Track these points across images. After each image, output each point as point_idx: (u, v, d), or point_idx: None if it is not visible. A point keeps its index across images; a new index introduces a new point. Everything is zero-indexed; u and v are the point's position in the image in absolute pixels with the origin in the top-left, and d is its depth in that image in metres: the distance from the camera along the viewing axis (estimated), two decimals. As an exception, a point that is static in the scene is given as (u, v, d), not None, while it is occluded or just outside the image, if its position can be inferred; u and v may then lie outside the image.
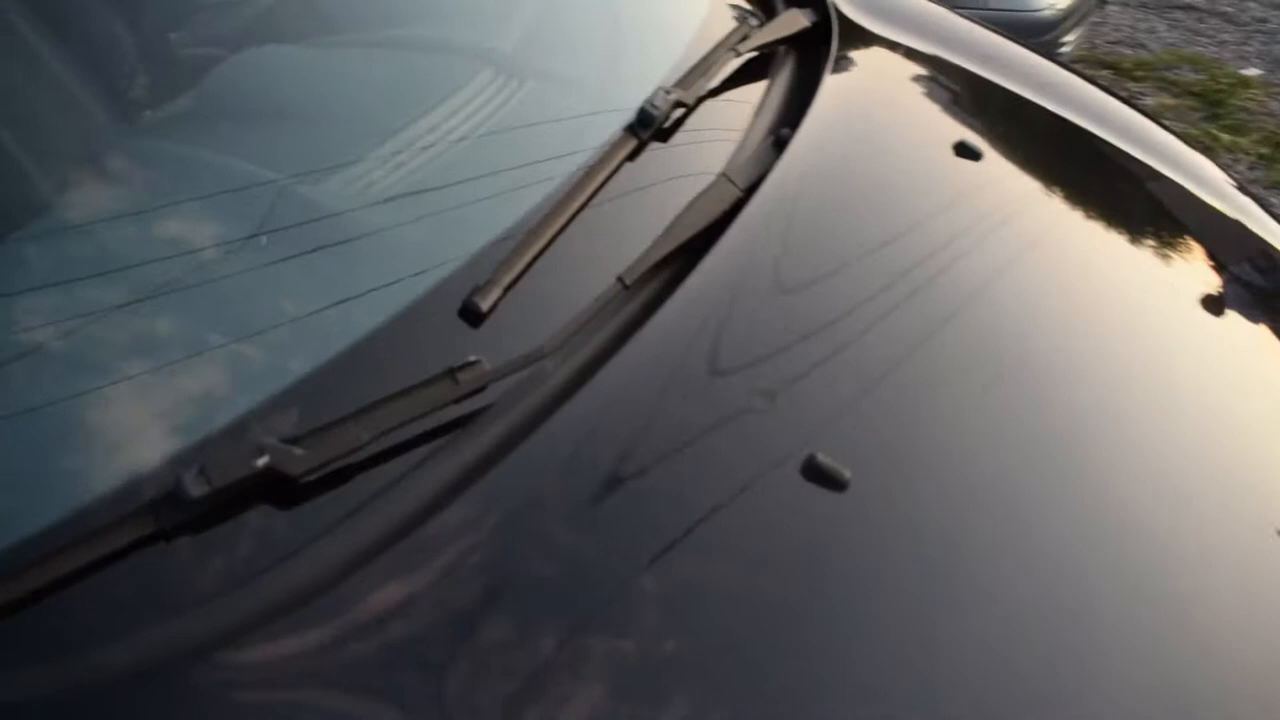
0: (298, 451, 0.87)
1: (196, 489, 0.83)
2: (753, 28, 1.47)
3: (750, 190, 1.21)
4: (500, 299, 1.04)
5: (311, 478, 0.88)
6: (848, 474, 0.96)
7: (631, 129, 1.24)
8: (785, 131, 1.31)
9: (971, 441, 1.06)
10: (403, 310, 1.02)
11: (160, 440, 0.88)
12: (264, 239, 1.09)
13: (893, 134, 1.39)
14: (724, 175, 1.21)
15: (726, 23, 1.49)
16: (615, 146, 1.22)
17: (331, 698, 0.81)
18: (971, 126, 1.45)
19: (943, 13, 1.70)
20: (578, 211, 1.15)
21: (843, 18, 1.54)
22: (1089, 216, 1.43)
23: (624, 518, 0.94)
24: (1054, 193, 1.43)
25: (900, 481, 1.00)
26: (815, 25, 1.51)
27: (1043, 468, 1.07)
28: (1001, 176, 1.38)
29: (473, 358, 0.98)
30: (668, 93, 1.28)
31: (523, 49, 1.40)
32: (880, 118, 1.40)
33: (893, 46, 1.57)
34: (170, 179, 1.14)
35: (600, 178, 1.19)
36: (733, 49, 1.39)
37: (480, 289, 1.04)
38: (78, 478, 0.86)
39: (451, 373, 0.97)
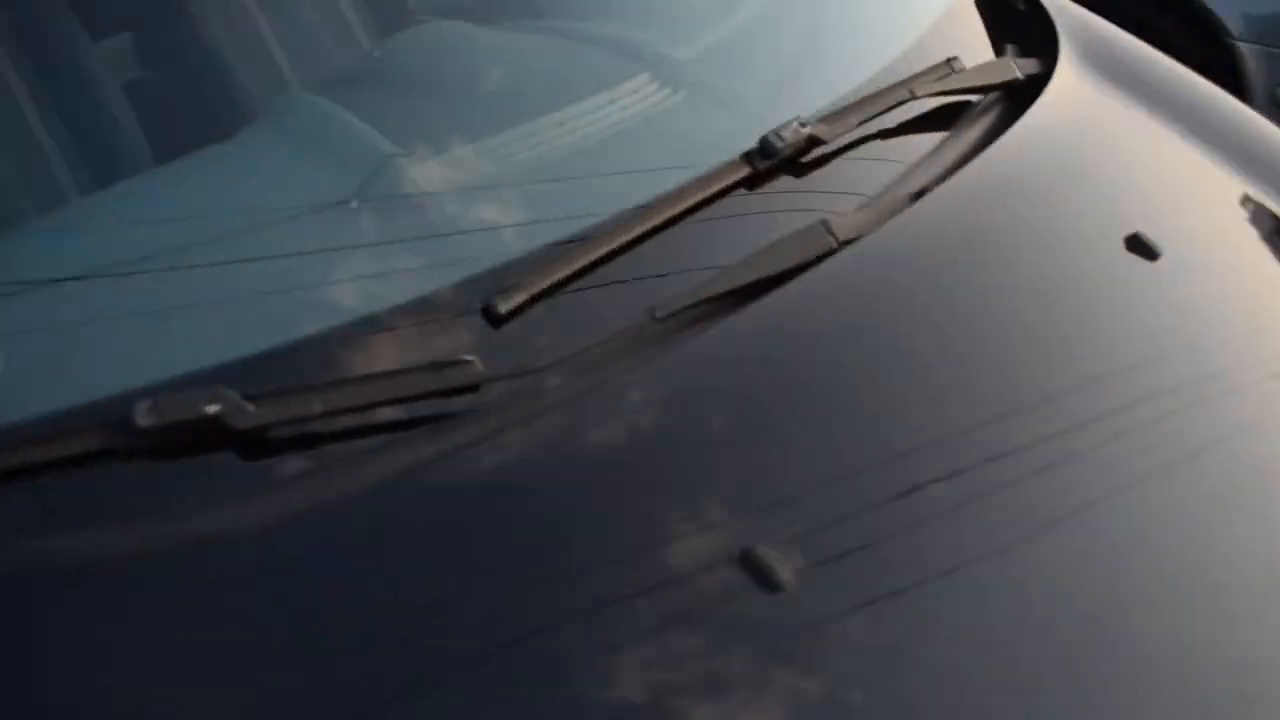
0: (250, 408, 0.90)
1: (146, 419, 0.88)
2: (954, 70, 1.34)
3: (846, 245, 1.11)
4: (526, 304, 1.02)
5: (255, 435, 0.91)
6: (785, 575, 0.86)
7: (748, 156, 1.17)
8: (931, 187, 1.20)
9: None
10: (427, 296, 1.03)
11: (147, 368, 0.94)
12: (354, 203, 1.14)
13: (1057, 211, 1.22)
14: (823, 222, 1.12)
15: (932, 58, 1.36)
16: (723, 171, 1.15)
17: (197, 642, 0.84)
18: (1170, 220, 1.24)
19: (1198, 84, 1.47)
20: (653, 231, 1.10)
21: (1066, 71, 1.37)
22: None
23: (542, 555, 0.90)
24: (1251, 327, 1.19)
25: (852, 609, 0.88)
26: (1029, 79, 1.36)
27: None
28: (1179, 288, 1.18)
29: (466, 357, 0.97)
30: (802, 125, 1.19)
31: (692, 57, 1.36)
32: (1051, 191, 1.23)
33: (1114, 111, 1.38)
34: (297, 131, 1.21)
35: (692, 200, 1.13)
36: (909, 89, 1.28)
37: (506, 291, 1.02)
38: (61, 384, 0.93)
39: (437, 367, 0.96)
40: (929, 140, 1.28)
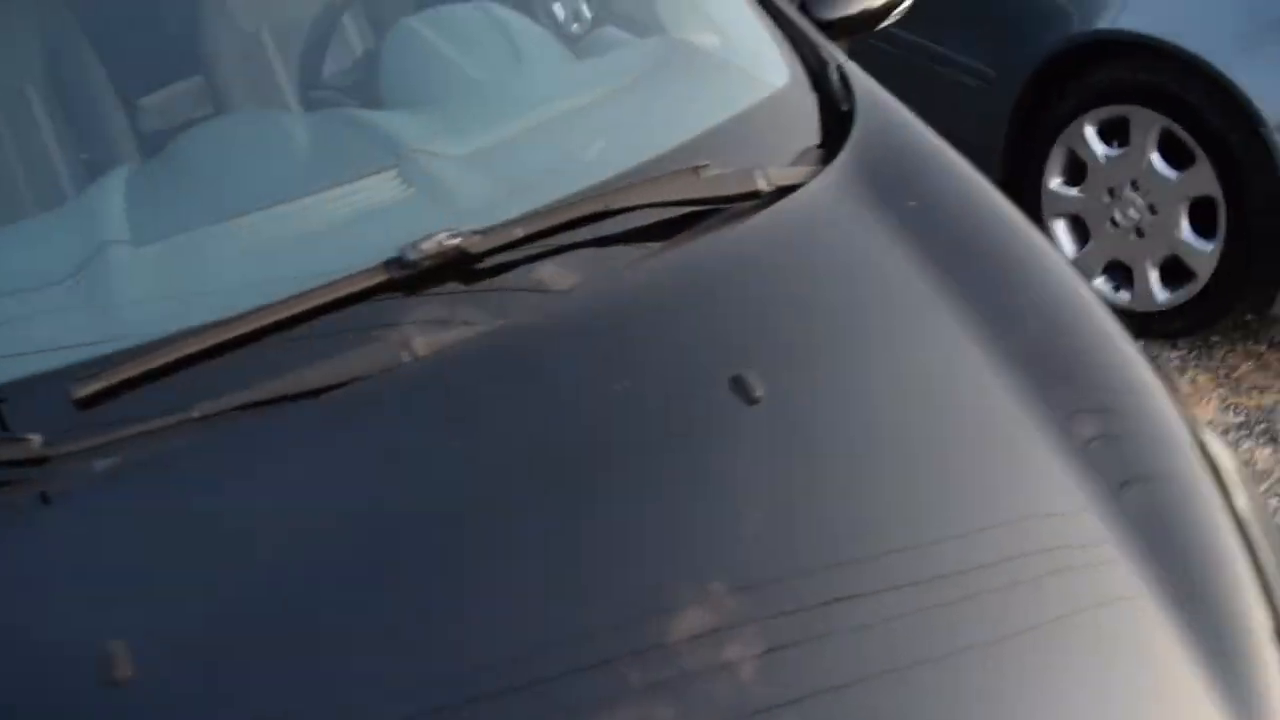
0: None
1: None
2: (699, 177, 1.30)
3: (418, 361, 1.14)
4: (107, 392, 1.14)
5: None
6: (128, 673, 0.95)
7: (387, 265, 1.21)
8: (552, 310, 1.19)
9: None
10: (26, 378, 1.17)
11: None
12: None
13: (678, 344, 1.17)
14: (404, 338, 1.15)
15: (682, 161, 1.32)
16: (357, 276, 1.20)
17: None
18: (806, 368, 1.16)
19: (992, 209, 1.32)
20: (263, 332, 1.18)
21: (816, 188, 1.29)
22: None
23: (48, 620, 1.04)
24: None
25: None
26: (778, 190, 1.29)
27: None
28: (768, 435, 1.10)
29: (25, 435, 1.12)
30: (452, 236, 1.22)
31: (419, 147, 1.39)
32: (679, 321, 1.18)
33: (839, 239, 1.27)
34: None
35: (315, 303, 1.19)
36: (605, 203, 1.26)
37: (91, 376, 1.15)
38: None
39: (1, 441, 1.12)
40: (611, 256, 1.26)
